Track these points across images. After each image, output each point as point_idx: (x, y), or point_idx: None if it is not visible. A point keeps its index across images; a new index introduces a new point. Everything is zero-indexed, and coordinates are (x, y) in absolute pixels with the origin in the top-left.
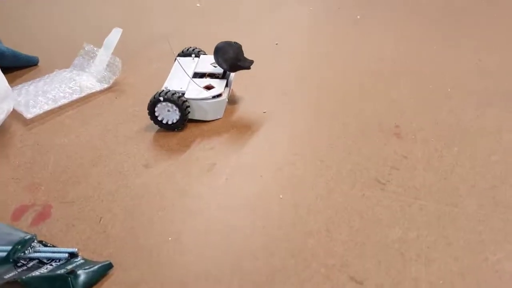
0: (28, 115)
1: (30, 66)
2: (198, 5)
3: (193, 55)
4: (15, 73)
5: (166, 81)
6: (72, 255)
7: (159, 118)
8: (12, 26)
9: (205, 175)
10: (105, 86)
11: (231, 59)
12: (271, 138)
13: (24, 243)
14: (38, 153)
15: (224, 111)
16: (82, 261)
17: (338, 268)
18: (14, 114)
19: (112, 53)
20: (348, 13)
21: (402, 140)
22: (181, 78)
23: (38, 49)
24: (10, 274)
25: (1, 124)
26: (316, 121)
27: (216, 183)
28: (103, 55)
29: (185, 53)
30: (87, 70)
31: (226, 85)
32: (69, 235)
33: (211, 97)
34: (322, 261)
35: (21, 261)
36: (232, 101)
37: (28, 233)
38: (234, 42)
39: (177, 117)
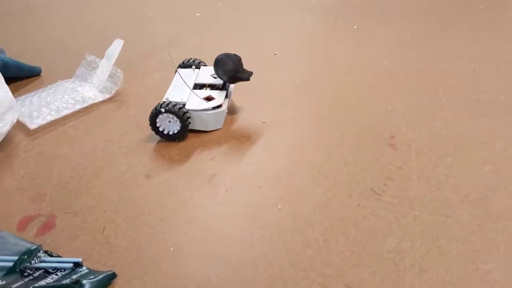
0: (32, 125)
1: (33, 76)
2: (197, 14)
3: (193, 67)
4: (18, 83)
5: (167, 92)
6: (77, 265)
7: (161, 129)
8: (15, 36)
9: (206, 185)
10: (107, 96)
11: (231, 71)
12: (270, 148)
13: (30, 253)
14: (42, 164)
15: (224, 122)
16: (86, 271)
17: (334, 278)
18: (18, 125)
19: (114, 64)
20: (345, 23)
21: (397, 150)
22: (182, 89)
23: (41, 60)
24: (17, 284)
25: (6, 135)
26: (314, 132)
27: (216, 194)
28: (105, 66)
29: (185, 65)
30: (89, 80)
31: (226, 96)
32: (74, 245)
33: (211, 108)
34: (319, 270)
35: (28, 271)
36: (232, 111)
37: (34, 243)
38: (234, 54)
39: (178, 128)
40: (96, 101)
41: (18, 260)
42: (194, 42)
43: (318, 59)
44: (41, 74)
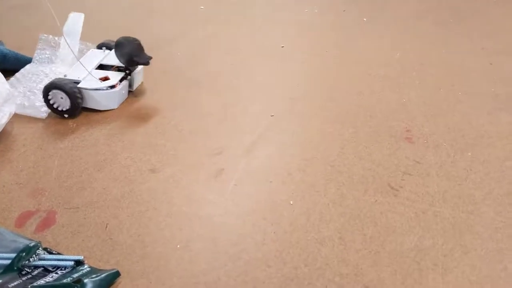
0: (43, 114)
1: None
2: (201, 7)
3: (104, 48)
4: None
5: (70, 69)
6: (78, 262)
7: (52, 103)
8: (14, 28)
9: (213, 180)
10: None
11: (126, 54)
12: (279, 142)
13: (29, 251)
14: (42, 158)
15: (122, 103)
16: (88, 269)
17: (352, 277)
18: (17, 118)
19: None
20: (353, 15)
21: (414, 145)
22: (81, 68)
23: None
24: (15, 283)
25: (3, 128)
26: (325, 126)
27: (224, 189)
28: (69, 42)
29: (104, 45)
30: (57, 60)
31: (126, 78)
32: (75, 242)
33: (105, 88)
34: (336, 270)
35: (26, 269)
36: (238, 103)
37: (33, 240)
38: (134, 38)
39: (69, 105)
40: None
41: (16, 257)
42: (199, 35)
43: (327, 52)
44: None
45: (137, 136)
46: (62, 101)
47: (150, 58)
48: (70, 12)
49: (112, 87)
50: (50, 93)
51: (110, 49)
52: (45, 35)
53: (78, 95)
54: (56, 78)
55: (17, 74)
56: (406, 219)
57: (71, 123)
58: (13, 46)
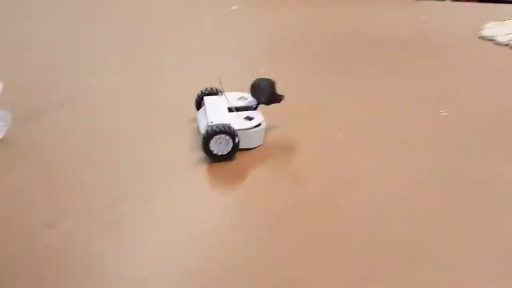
0: None
1: None
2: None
3: (219, 93)
4: None
5: (208, 117)
6: None
7: (213, 151)
8: None
9: (110, 232)
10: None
11: (269, 93)
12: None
13: None
14: None
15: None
16: None
17: None
18: None
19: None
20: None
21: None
22: (220, 113)
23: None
24: None
25: None
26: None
27: (121, 241)
28: None
29: (208, 93)
30: None
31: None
32: None
33: (253, 126)
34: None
35: None
36: None
37: None
38: (269, 78)
39: (230, 148)
40: None
41: None
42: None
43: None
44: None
45: (36, 189)
46: (221, 146)
47: (283, 96)
48: None
49: (258, 125)
50: (213, 139)
51: (216, 94)
52: None
53: (238, 137)
54: (210, 126)
55: None
56: None
57: None
58: None
